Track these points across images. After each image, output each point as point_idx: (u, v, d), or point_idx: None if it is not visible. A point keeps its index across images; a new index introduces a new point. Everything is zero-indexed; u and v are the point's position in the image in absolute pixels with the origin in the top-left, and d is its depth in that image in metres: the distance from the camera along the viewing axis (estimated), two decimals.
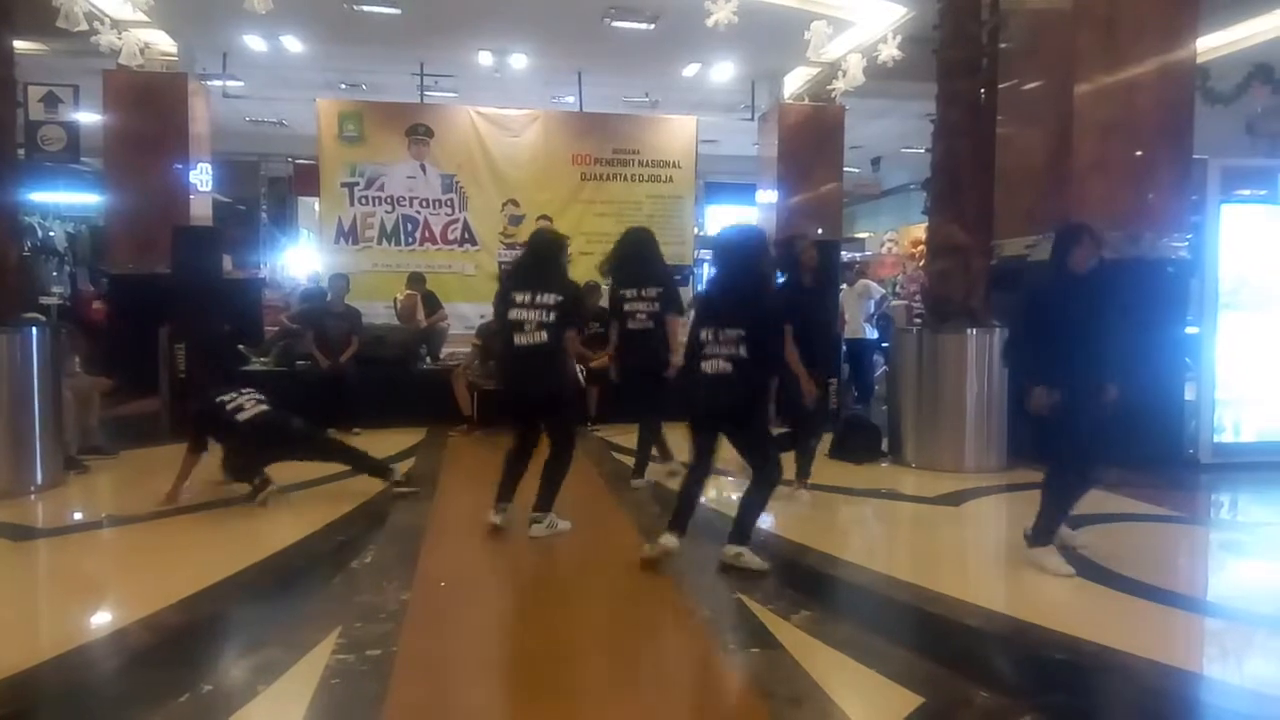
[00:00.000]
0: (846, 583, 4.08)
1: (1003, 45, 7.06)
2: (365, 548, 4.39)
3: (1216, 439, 6.58)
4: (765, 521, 4.33)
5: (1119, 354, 3.94)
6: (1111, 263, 4.00)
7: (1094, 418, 4.01)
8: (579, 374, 7.57)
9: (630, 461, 6.05)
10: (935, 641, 3.35)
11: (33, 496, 5.44)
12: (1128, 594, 3.82)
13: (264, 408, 5.34)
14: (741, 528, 4.10)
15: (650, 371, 5.76)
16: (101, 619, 3.61)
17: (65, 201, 15.09)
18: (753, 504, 4.15)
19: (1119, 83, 6.42)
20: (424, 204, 11.85)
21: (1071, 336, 3.99)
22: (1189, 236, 6.56)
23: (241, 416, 5.23)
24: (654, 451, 5.99)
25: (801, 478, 5.47)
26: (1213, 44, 9.27)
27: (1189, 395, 6.70)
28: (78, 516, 5.38)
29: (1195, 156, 6.65)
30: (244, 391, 5.46)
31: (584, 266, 8.03)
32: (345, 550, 4.35)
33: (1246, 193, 6.90)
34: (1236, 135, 11.66)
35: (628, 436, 6.21)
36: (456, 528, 5.00)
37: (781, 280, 5.25)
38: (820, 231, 10.97)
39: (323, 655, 3.03)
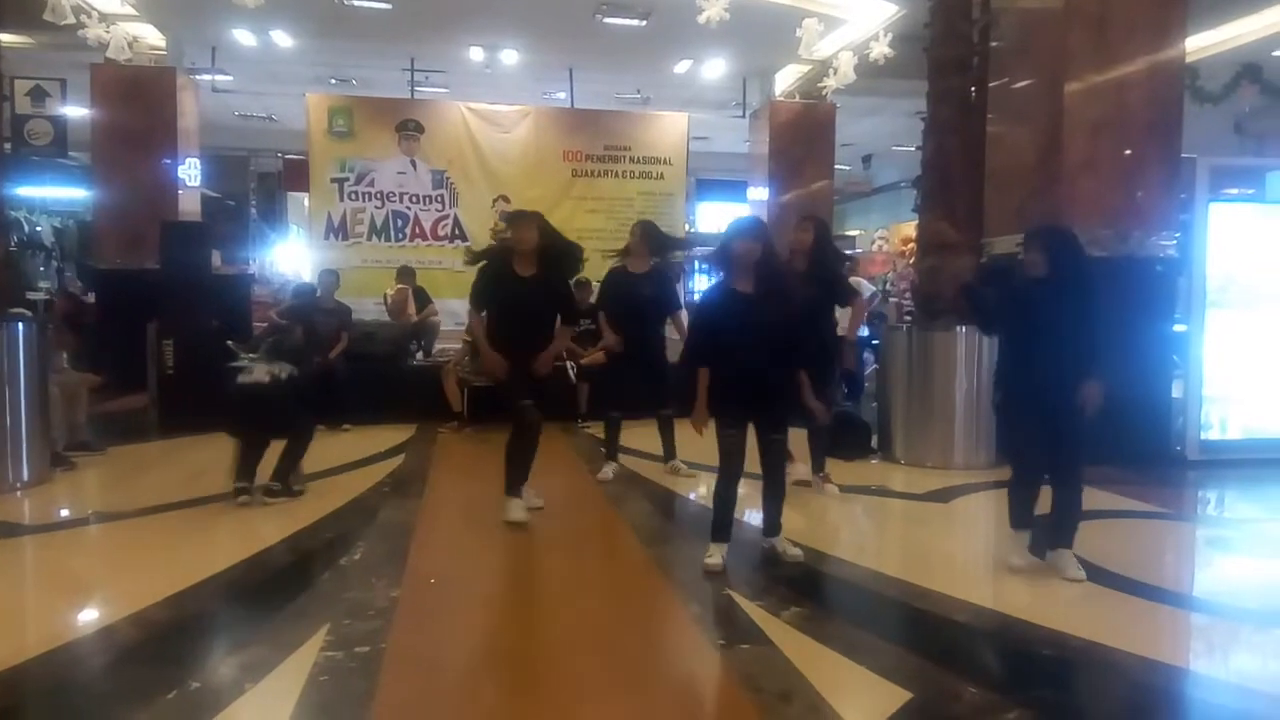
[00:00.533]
0: (836, 579, 4.08)
1: (993, 43, 7.08)
2: (354, 544, 4.38)
3: (1203, 436, 6.62)
4: (756, 519, 4.33)
5: (1075, 362, 3.84)
6: (1067, 271, 3.93)
7: (1034, 420, 3.97)
8: (570, 368, 7.61)
9: (629, 461, 6.05)
10: (924, 637, 3.36)
11: (19, 493, 5.40)
12: (1114, 589, 3.84)
13: (266, 380, 4.95)
14: (713, 525, 4.07)
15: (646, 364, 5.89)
16: (88, 616, 3.58)
17: (52, 196, 14.99)
18: (714, 497, 4.12)
19: (1109, 81, 6.44)
20: (414, 200, 11.82)
21: (1016, 340, 4.06)
22: (1177, 235, 6.60)
23: (240, 379, 4.96)
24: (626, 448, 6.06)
25: (818, 472, 5.50)
26: (1201, 44, 9.31)
27: (1176, 392, 6.74)
28: (64, 513, 5.34)
29: (1184, 155, 6.68)
30: (275, 362, 5.04)
31: None
32: (334, 547, 4.34)
33: (1235, 191, 6.94)
34: (1225, 134, 11.73)
35: (624, 434, 6.20)
36: (446, 525, 4.99)
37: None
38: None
39: (311, 652, 3.01)
